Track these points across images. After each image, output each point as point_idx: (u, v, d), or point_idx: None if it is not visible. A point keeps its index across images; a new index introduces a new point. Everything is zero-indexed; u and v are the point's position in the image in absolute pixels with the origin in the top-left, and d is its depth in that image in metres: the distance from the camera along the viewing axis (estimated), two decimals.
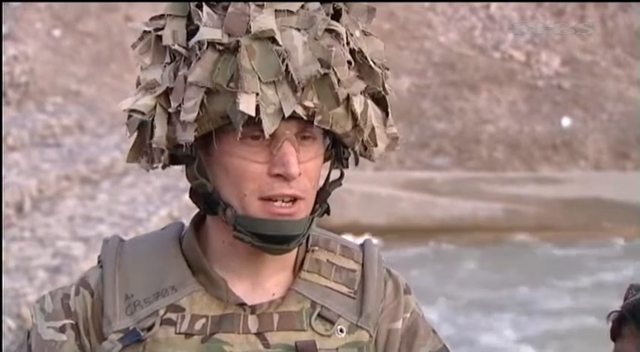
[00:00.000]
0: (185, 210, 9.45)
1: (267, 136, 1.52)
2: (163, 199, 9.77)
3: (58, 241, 7.93)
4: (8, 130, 10.30)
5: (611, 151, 14.01)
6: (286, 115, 1.52)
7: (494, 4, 15.91)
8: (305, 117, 1.54)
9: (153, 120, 1.58)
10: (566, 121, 14.42)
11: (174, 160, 1.63)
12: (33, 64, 12.74)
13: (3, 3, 12.20)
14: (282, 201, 1.56)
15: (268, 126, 1.51)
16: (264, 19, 1.51)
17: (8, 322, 6.24)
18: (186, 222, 1.74)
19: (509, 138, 14.14)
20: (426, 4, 15.77)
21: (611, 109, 14.58)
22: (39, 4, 14.33)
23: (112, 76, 13.87)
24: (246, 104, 1.50)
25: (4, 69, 11.27)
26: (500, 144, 14.06)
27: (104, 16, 14.60)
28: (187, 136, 1.55)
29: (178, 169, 1.66)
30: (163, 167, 1.64)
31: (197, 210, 1.68)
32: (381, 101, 1.63)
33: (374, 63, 1.59)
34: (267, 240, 1.57)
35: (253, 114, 1.50)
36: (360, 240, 1.77)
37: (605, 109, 14.58)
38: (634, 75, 15.07)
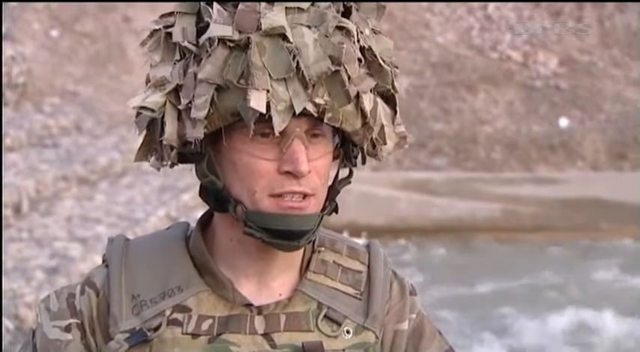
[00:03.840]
0: (183, 210, 9.44)
1: (277, 133, 1.52)
2: (161, 199, 9.75)
3: (56, 242, 7.91)
4: (6, 131, 10.28)
5: (609, 152, 14.02)
6: (297, 112, 1.51)
7: (491, 5, 15.91)
8: (315, 114, 1.53)
9: (162, 117, 1.57)
10: (563, 122, 14.43)
11: (182, 158, 1.62)
12: (30, 65, 12.73)
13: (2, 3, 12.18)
14: (292, 196, 1.56)
15: (278, 122, 1.51)
16: (275, 16, 1.51)
17: (6, 323, 6.23)
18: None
19: (506, 138, 14.15)
20: (424, 4, 15.78)
21: (609, 110, 14.59)
22: (36, 5, 14.32)
23: (109, 76, 13.86)
24: (257, 101, 1.49)
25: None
26: (497, 145, 14.07)
27: (102, 17, 14.59)
28: (197, 133, 1.54)
29: (176, 169, 1.65)
30: (171, 166, 1.64)
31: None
32: (390, 99, 1.63)
33: (383, 61, 1.58)
34: (277, 235, 1.56)
35: (264, 110, 1.50)
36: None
37: (603, 110, 14.59)
38: (631, 75, 15.08)
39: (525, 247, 11.80)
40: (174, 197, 9.79)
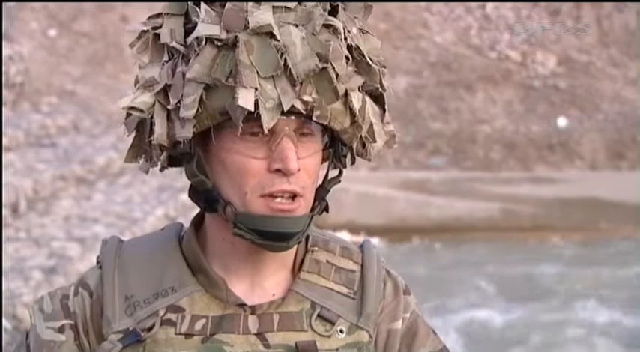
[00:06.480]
0: (182, 209, 9.44)
1: (266, 131, 1.52)
2: (160, 199, 9.76)
3: (54, 241, 7.90)
4: (4, 130, 10.27)
5: (607, 151, 14.03)
6: (285, 109, 1.52)
7: (490, 4, 15.92)
8: (304, 112, 1.54)
9: (152, 118, 1.58)
10: (562, 121, 14.44)
11: (172, 162, 1.63)
12: (28, 64, 12.72)
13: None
14: (282, 197, 1.56)
15: (267, 120, 1.51)
16: (262, 15, 1.52)
17: (4, 322, 6.23)
18: (183, 221, 1.73)
19: (505, 138, 14.16)
20: (422, 4, 15.78)
21: (607, 109, 14.60)
22: (34, 4, 14.33)
23: (107, 76, 13.86)
24: (245, 99, 1.50)
25: None
26: (496, 144, 14.07)
27: (99, 16, 14.59)
28: (186, 133, 1.54)
29: (174, 168, 1.65)
30: (161, 169, 1.64)
31: (195, 210, 1.68)
32: (378, 98, 1.63)
33: (371, 60, 1.59)
34: (267, 237, 1.56)
35: (252, 108, 1.50)
36: (356, 239, 1.77)
37: (601, 109, 14.60)
38: (630, 75, 15.09)
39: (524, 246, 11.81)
40: (173, 196, 9.80)
